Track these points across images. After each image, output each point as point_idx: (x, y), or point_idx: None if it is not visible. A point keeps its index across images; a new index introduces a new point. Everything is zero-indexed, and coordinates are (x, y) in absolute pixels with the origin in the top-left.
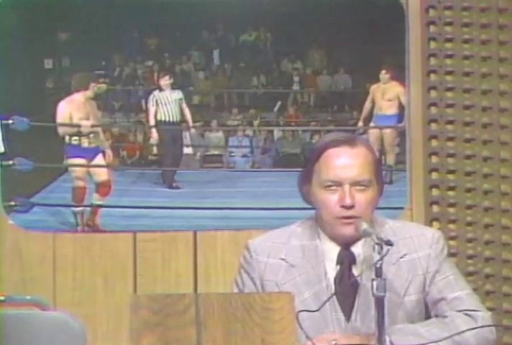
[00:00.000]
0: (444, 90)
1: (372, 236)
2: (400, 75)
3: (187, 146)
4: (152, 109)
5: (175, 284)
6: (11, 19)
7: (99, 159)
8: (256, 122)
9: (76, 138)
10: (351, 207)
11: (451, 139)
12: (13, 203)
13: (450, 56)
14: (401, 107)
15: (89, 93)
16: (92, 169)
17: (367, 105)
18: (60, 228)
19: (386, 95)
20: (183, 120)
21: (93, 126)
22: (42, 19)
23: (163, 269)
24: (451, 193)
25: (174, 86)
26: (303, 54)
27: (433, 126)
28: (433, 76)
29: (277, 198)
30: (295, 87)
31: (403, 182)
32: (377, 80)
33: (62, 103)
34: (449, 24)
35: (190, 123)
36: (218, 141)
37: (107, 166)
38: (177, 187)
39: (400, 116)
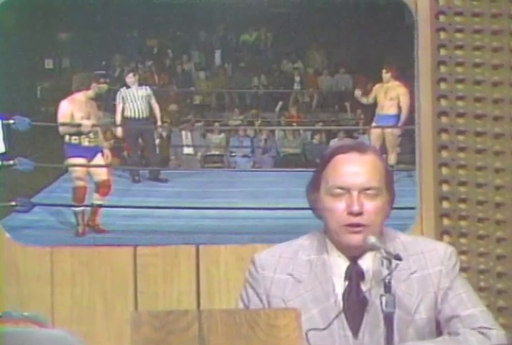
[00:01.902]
0: (454, 99)
1: (381, 250)
2: (401, 74)
3: (188, 146)
4: (119, 106)
5: (177, 301)
6: (11, 19)
7: (99, 159)
8: (257, 122)
9: (76, 137)
10: (359, 214)
11: (462, 149)
12: (13, 203)
13: (461, 64)
14: (400, 107)
15: (90, 93)
16: (92, 169)
17: (368, 98)
18: (61, 228)
19: (388, 94)
20: (152, 116)
21: (93, 125)
22: (42, 19)
23: (165, 285)
24: (462, 206)
25: (141, 83)
26: (303, 54)
27: (444, 136)
28: (443, 84)
29: (277, 198)
30: (296, 87)
31: (404, 182)
32: (377, 80)
33: (64, 103)
34: (460, 30)
35: (159, 121)
36: (220, 142)
37: (107, 166)
38: (166, 180)
39: (399, 116)
